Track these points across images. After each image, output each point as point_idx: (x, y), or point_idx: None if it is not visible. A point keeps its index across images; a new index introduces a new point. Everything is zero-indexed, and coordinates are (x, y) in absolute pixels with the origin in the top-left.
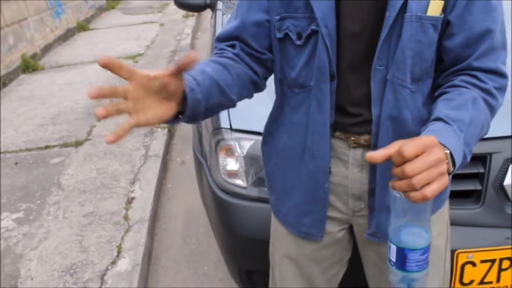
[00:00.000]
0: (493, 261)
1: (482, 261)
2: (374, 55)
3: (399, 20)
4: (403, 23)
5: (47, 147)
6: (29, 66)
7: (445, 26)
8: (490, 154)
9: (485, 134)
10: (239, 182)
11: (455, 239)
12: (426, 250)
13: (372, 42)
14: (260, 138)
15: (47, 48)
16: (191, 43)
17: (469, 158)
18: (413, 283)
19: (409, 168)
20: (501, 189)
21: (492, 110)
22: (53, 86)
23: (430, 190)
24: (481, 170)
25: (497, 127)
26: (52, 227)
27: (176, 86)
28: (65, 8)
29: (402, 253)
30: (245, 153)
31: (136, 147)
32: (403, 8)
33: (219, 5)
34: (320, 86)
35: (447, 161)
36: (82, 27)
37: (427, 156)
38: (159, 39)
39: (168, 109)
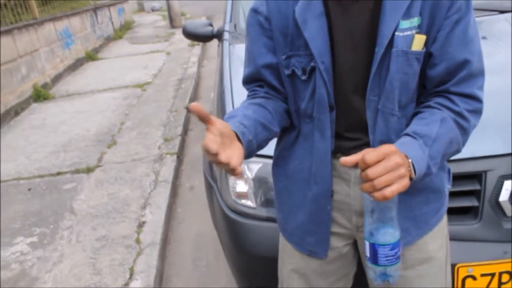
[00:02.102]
0: (492, 275)
1: (482, 275)
2: (367, 87)
3: (387, 54)
4: (390, 58)
5: (59, 173)
6: (40, 95)
7: (427, 57)
8: (485, 171)
9: (457, 151)
10: (248, 203)
11: (455, 253)
12: (395, 245)
13: (365, 75)
14: (267, 161)
15: (57, 78)
16: (197, 71)
17: (434, 170)
18: (387, 277)
19: (370, 172)
20: (497, 205)
21: (464, 130)
22: (64, 114)
23: (389, 191)
24: (477, 187)
25: (491, 146)
26: (65, 250)
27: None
28: (75, 39)
29: (373, 249)
30: (253, 175)
31: (146, 173)
32: (390, 43)
33: (226, 35)
34: (320, 117)
35: (409, 168)
36: (90, 56)
37: (386, 162)
38: (166, 68)
39: (240, 151)
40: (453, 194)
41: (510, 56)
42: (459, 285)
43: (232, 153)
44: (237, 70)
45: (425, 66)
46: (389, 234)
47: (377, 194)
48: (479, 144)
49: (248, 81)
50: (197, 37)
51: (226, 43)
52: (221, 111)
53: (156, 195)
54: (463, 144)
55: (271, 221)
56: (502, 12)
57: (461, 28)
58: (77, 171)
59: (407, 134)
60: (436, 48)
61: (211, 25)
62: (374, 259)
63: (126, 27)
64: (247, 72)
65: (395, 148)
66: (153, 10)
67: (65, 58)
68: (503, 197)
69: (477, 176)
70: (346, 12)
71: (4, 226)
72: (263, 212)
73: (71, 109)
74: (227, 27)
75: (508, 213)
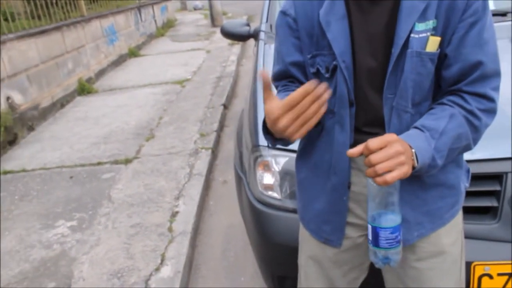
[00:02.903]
0: (510, 274)
1: (499, 274)
2: (384, 85)
3: (402, 55)
4: (405, 58)
5: (99, 163)
6: (84, 89)
7: (443, 58)
8: (506, 173)
9: (467, 147)
10: (274, 194)
11: (473, 252)
12: (395, 229)
13: (382, 73)
14: (293, 155)
15: (101, 73)
16: (236, 69)
17: (439, 162)
18: (388, 260)
19: (372, 157)
20: None
21: (475, 128)
22: (106, 108)
23: (390, 176)
24: (498, 188)
25: (510, 147)
26: (102, 235)
27: None
28: (119, 36)
29: (375, 232)
30: (280, 169)
31: (181, 166)
32: (406, 44)
33: (262, 35)
34: (341, 112)
35: (412, 157)
36: (133, 53)
37: (388, 149)
38: (206, 66)
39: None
40: (473, 194)
41: None
42: (475, 283)
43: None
44: (271, 69)
45: (440, 67)
46: (390, 219)
47: (379, 179)
48: (501, 145)
49: (278, 78)
50: (235, 36)
51: (261, 43)
52: (253, 109)
53: (190, 187)
54: (475, 141)
55: (295, 213)
56: None
57: (476, 30)
58: (116, 162)
59: (415, 127)
60: (451, 49)
61: (248, 25)
62: (376, 241)
63: (169, 25)
64: (276, 70)
65: (397, 137)
66: (195, 8)
67: (109, 54)
68: None
69: (497, 177)
70: (366, 15)
71: (47, 209)
72: (288, 203)
73: (112, 103)
74: (263, 27)
75: None
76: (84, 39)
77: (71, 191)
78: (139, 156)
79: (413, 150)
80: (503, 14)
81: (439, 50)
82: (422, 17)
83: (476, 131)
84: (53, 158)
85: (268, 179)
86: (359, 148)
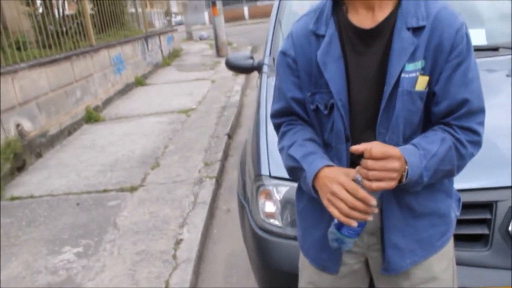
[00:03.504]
0: None
1: None
2: (377, 121)
3: (394, 93)
4: (397, 96)
5: (105, 190)
6: (91, 117)
7: (432, 95)
8: (496, 202)
9: (451, 173)
10: (275, 222)
11: (465, 278)
12: (360, 224)
13: (375, 111)
14: (294, 184)
15: (108, 101)
16: (240, 100)
17: (425, 180)
18: (342, 245)
19: (370, 163)
20: (507, 234)
21: (461, 156)
22: (112, 136)
23: (376, 185)
24: (488, 216)
25: (503, 177)
26: (107, 261)
27: None
28: (126, 65)
29: (338, 226)
30: (281, 197)
31: (186, 195)
32: (397, 83)
33: (265, 68)
34: (338, 147)
35: (403, 173)
36: (139, 82)
37: (387, 163)
38: (210, 95)
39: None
40: (465, 222)
41: None
42: None
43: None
44: (271, 106)
45: (430, 103)
46: None
47: (367, 183)
48: (491, 175)
49: (279, 115)
50: (239, 69)
51: (264, 76)
52: (256, 139)
53: (194, 216)
54: (459, 169)
55: (295, 240)
56: None
57: (461, 70)
58: (122, 190)
59: (412, 144)
60: (439, 88)
61: (252, 58)
62: (339, 227)
63: (175, 54)
64: (277, 107)
65: (400, 153)
66: (201, 39)
67: (116, 83)
68: None
69: (488, 206)
70: (360, 56)
71: (54, 236)
72: (288, 231)
73: (119, 131)
74: (266, 61)
75: None
76: (93, 68)
77: (77, 217)
78: (145, 184)
79: (406, 167)
80: (495, 49)
81: (427, 89)
82: (412, 58)
83: (462, 159)
84: (60, 185)
85: (270, 207)
86: (362, 148)
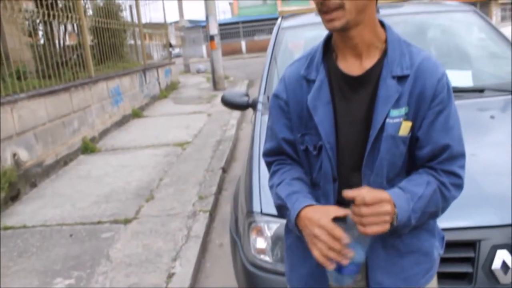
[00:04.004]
0: None
1: None
2: (363, 163)
3: (379, 138)
4: (381, 140)
5: (99, 222)
6: (88, 148)
7: (415, 140)
8: (479, 241)
9: (435, 214)
10: (266, 258)
11: None
12: (358, 265)
13: (361, 153)
14: (284, 221)
15: (104, 132)
16: (235, 133)
17: (413, 222)
18: (343, 283)
19: (364, 210)
20: (491, 272)
21: (445, 198)
22: (108, 167)
23: (371, 230)
24: (472, 254)
25: (486, 217)
26: None
27: None
28: (124, 97)
29: (338, 266)
30: (272, 234)
31: (179, 228)
32: (382, 128)
33: (259, 106)
34: (326, 186)
35: (393, 216)
36: (136, 114)
37: (379, 207)
38: (206, 129)
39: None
40: (449, 260)
41: (509, 135)
42: None
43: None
44: (263, 145)
45: (414, 148)
46: (361, 254)
47: (362, 229)
48: (475, 215)
49: (270, 154)
50: (234, 106)
51: (259, 113)
52: (248, 175)
53: (187, 249)
54: (443, 210)
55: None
56: None
57: (443, 117)
58: (116, 222)
59: (399, 187)
60: (422, 133)
61: (247, 95)
62: (339, 267)
63: (172, 87)
64: (269, 146)
65: (390, 197)
66: (198, 72)
67: (113, 115)
68: (496, 265)
69: (472, 245)
70: (347, 101)
71: (46, 267)
72: (278, 267)
73: (115, 163)
74: (261, 99)
75: (501, 281)
76: (91, 99)
77: (70, 249)
78: (139, 216)
79: (395, 210)
80: (481, 90)
81: (410, 134)
82: (396, 105)
83: (445, 201)
84: (54, 215)
85: (260, 243)
86: (354, 194)
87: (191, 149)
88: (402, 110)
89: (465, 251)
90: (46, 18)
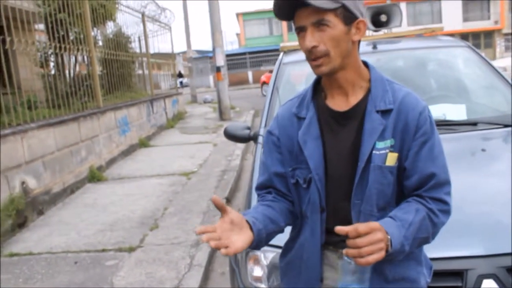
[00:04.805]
0: None
1: None
2: (352, 193)
3: (366, 168)
4: (369, 171)
5: (104, 250)
6: (94, 176)
7: (403, 170)
8: (466, 270)
9: (426, 240)
10: (262, 286)
11: None
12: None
13: (350, 184)
14: (280, 250)
15: (111, 161)
16: (240, 164)
17: (407, 248)
18: None
19: (359, 241)
20: None
21: (434, 224)
22: (114, 196)
23: (371, 258)
24: (459, 284)
25: (472, 247)
26: None
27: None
28: (131, 127)
29: None
30: (268, 262)
31: (182, 256)
32: (369, 159)
33: (260, 139)
34: (313, 216)
35: (387, 243)
36: (143, 143)
37: (373, 236)
38: (212, 159)
39: (248, 237)
40: None
41: (498, 168)
42: None
43: (238, 238)
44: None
45: (402, 178)
46: None
47: (363, 260)
48: (462, 245)
49: (261, 188)
50: (236, 138)
51: (259, 146)
52: (247, 206)
53: (190, 277)
54: (433, 236)
55: None
56: (506, 125)
57: (427, 148)
58: (120, 250)
59: (390, 216)
60: (408, 163)
61: (249, 128)
62: None
63: (178, 117)
64: (261, 180)
65: (380, 225)
66: (205, 102)
67: (120, 144)
68: None
69: (459, 274)
70: (336, 135)
71: None
72: None
73: (121, 192)
74: (261, 132)
75: None
76: (99, 129)
77: (74, 276)
78: (143, 245)
79: (388, 237)
80: (474, 124)
81: (397, 164)
82: (381, 137)
83: (435, 226)
84: (59, 242)
85: (257, 271)
86: (347, 229)
87: (196, 179)
88: (388, 142)
89: (453, 281)
90: (57, 50)
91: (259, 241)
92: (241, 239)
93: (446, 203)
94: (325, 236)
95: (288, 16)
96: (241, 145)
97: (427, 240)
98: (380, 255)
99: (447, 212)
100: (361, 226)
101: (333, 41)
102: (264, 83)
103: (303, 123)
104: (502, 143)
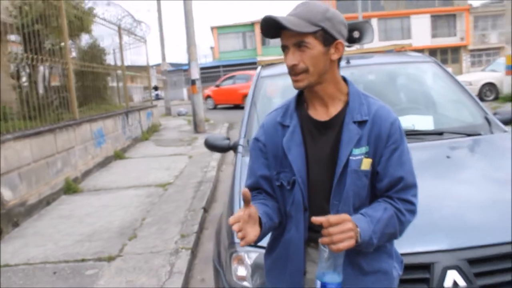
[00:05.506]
0: None
1: None
2: (331, 194)
3: (344, 172)
4: (346, 174)
5: (83, 260)
6: (70, 188)
7: (375, 174)
8: (433, 263)
9: (394, 235)
10: (246, 284)
11: None
12: (338, 285)
13: (329, 186)
14: (262, 251)
15: (87, 173)
16: (216, 175)
17: (375, 241)
18: None
19: (331, 229)
20: None
21: (401, 222)
22: (90, 207)
23: (342, 245)
24: (427, 276)
25: (438, 242)
26: None
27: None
28: (106, 139)
29: (323, 286)
30: (252, 262)
31: (162, 264)
32: (346, 164)
33: (240, 148)
34: (297, 215)
35: (357, 234)
36: (118, 155)
37: (343, 225)
38: (188, 170)
39: (257, 231)
40: (408, 281)
41: (461, 172)
42: None
43: (250, 231)
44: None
45: (374, 181)
46: (336, 277)
47: (334, 247)
48: (428, 241)
49: (249, 189)
50: (216, 148)
51: (239, 155)
52: (230, 211)
53: (171, 284)
54: (400, 232)
55: None
56: (469, 135)
57: (397, 154)
58: (100, 259)
59: (360, 213)
60: (380, 168)
61: (228, 139)
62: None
63: (153, 129)
64: (249, 183)
65: (350, 217)
66: (179, 114)
67: (96, 156)
68: (447, 284)
69: (427, 267)
70: (316, 142)
71: None
72: None
73: (97, 203)
74: (241, 142)
75: None
76: (74, 141)
77: (54, 286)
78: (122, 254)
79: (358, 229)
80: (440, 133)
81: (371, 169)
82: (358, 144)
83: (401, 224)
84: (37, 253)
85: (241, 271)
86: (321, 219)
87: (173, 190)
88: (363, 149)
89: (421, 273)
90: (32, 61)
91: (262, 235)
92: (253, 232)
93: (412, 203)
94: (307, 233)
95: (274, 36)
96: (216, 157)
97: (394, 236)
98: (350, 243)
99: (413, 212)
100: (332, 217)
101: (311, 60)
102: (208, 96)
103: (287, 131)
104: (465, 151)
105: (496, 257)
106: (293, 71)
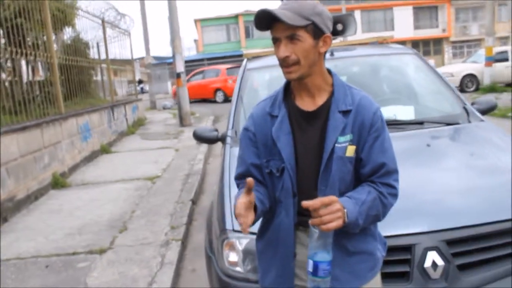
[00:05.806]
0: None
1: None
2: (318, 180)
3: (330, 159)
4: (332, 161)
5: (74, 253)
6: (58, 183)
7: (359, 161)
8: (414, 245)
9: (377, 217)
10: (238, 269)
11: None
12: (329, 263)
13: (316, 172)
14: (253, 237)
15: (74, 168)
16: (203, 168)
17: (360, 222)
18: (321, 286)
19: (321, 211)
20: (423, 270)
21: (383, 204)
22: (79, 201)
23: (331, 225)
24: (408, 256)
25: (418, 225)
26: None
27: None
28: (92, 133)
29: (315, 264)
30: (243, 248)
31: (153, 256)
32: (332, 151)
33: (228, 139)
34: (287, 201)
35: (344, 215)
36: (105, 150)
37: (332, 207)
38: (175, 163)
39: (253, 216)
40: (391, 262)
41: (440, 159)
42: None
43: (249, 216)
44: (235, 169)
45: (358, 167)
46: (326, 256)
47: (324, 227)
48: (410, 224)
49: (239, 177)
50: (205, 140)
51: (227, 146)
52: (221, 201)
53: (162, 274)
54: (383, 214)
55: (256, 283)
56: (448, 124)
57: (379, 142)
58: (91, 252)
59: (346, 196)
60: (364, 155)
61: (216, 130)
62: (315, 272)
63: (139, 123)
64: (239, 171)
65: (337, 198)
66: (164, 108)
67: (83, 150)
68: (427, 264)
69: (408, 248)
70: (304, 131)
71: None
72: (249, 276)
73: (86, 197)
74: (229, 133)
75: (432, 276)
76: (61, 135)
77: (46, 279)
78: (113, 246)
79: (345, 210)
80: (421, 123)
81: (355, 155)
82: (342, 133)
83: (384, 207)
84: (28, 248)
85: (233, 257)
86: (310, 203)
87: (161, 183)
88: (348, 137)
89: (403, 254)
90: (15, 55)
91: (257, 219)
92: (250, 217)
93: (394, 187)
94: (297, 218)
95: (267, 28)
96: (203, 150)
97: (378, 218)
98: (339, 223)
99: (394, 195)
100: (320, 199)
101: (303, 52)
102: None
103: (276, 121)
104: (444, 139)
105: (472, 237)
106: (285, 63)
